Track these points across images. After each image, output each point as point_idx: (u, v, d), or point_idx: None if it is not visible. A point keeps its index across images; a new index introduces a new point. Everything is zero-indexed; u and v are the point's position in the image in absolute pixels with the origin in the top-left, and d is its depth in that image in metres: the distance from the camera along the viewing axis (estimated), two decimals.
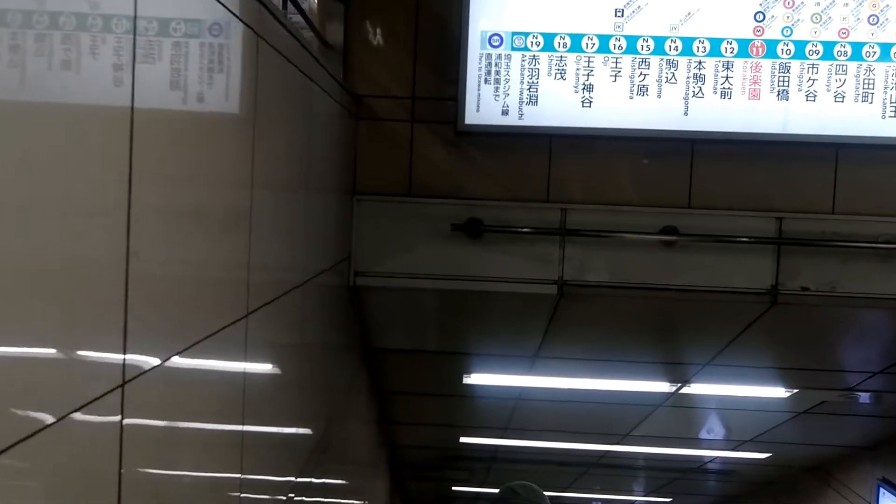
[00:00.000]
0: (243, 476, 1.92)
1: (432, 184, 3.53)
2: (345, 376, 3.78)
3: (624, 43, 3.26)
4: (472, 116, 3.31)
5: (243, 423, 1.90)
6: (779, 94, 3.31)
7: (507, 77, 3.29)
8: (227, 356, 1.78)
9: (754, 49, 3.25)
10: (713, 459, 7.12)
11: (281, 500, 2.31)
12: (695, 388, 4.94)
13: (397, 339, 4.35)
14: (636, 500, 9.88)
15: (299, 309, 2.53)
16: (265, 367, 2.17)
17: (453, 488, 9.67)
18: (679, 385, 4.89)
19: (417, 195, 3.52)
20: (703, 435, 6.23)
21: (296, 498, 2.63)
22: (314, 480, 3.05)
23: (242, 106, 1.82)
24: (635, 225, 3.52)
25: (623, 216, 3.52)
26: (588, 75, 3.28)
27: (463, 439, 6.80)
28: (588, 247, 3.55)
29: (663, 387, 4.95)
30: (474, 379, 4.94)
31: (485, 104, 3.31)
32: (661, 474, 8.02)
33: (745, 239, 3.50)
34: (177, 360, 1.39)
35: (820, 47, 3.23)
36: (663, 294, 3.57)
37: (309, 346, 2.82)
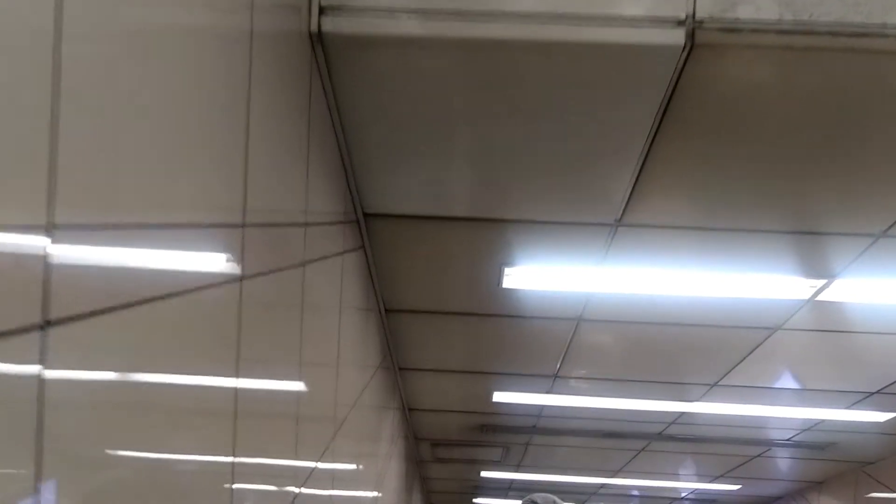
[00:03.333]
0: None
1: None
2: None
3: None
4: None
5: None
6: None
7: None
8: None
9: None
10: (815, 425, 5.35)
11: None
12: (840, 290, 3.22)
13: (398, 183, 2.66)
14: (698, 489, 8.06)
15: None
16: None
17: (482, 474, 7.91)
18: (823, 283, 3.17)
19: None
20: (816, 384, 4.47)
21: None
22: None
23: None
24: None
25: None
26: None
27: (497, 396, 5.09)
28: None
29: (795, 288, 3.23)
30: (518, 277, 3.26)
31: None
32: (738, 450, 6.24)
33: None
34: None
35: None
36: (871, 43, 1.90)
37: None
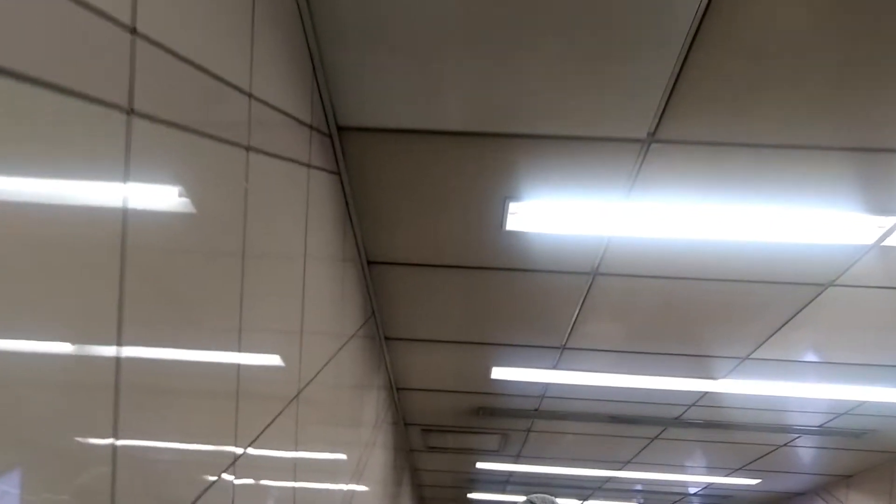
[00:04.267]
0: None
1: None
2: None
3: None
4: None
5: None
6: None
7: None
8: None
9: None
10: (854, 408, 4.92)
11: None
12: None
13: (379, 83, 2.20)
14: (713, 483, 7.65)
15: None
16: None
17: (478, 465, 7.48)
18: (894, 222, 2.73)
19: None
20: (864, 356, 4.03)
21: None
22: None
23: None
24: None
25: None
26: None
27: (496, 373, 4.65)
28: None
29: (858, 230, 2.79)
30: (525, 217, 2.81)
31: None
32: (763, 438, 5.81)
33: None
34: None
35: None
36: None
37: None
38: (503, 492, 8.95)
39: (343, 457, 3.26)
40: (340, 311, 2.91)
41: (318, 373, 2.53)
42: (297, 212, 2.06)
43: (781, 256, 3.01)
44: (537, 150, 2.43)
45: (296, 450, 2.22)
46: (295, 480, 2.24)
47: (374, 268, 3.37)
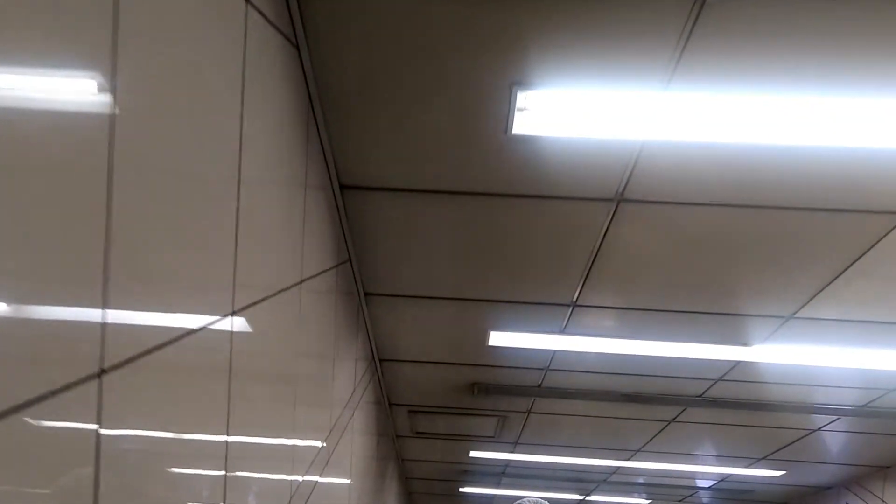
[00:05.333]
0: None
1: None
2: None
3: None
4: None
5: None
6: None
7: None
8: None
9: None
10: None
11: None
12: None
13: None
14: (732, 475, 7.16)
15: None
16: None
17: (472, 454, 6.98)
18: None
19: None
20: None
21: None
22: None
23: None
24: None
25: None
26: None
27: (494, 338, 4.12)
28: None
29: None
30: (537, 114, 2.29)
31: None
32: (797, 421, 5.32)
33: None
34: None
35: None
36: None
37: None
38: (498, 485, 8.47)
39: (301, 441, 2.69)
40: (299, 250, 2.37)
41: (258, 339, 1.98)
42: (226, 76, 1.52)
43: (852, 171, 2.50)
44: (555, 8, 1.91)
45: (227, 433, 1.69)
46: (226, 469, 1.71)
47: (348, 195, 2.85)
